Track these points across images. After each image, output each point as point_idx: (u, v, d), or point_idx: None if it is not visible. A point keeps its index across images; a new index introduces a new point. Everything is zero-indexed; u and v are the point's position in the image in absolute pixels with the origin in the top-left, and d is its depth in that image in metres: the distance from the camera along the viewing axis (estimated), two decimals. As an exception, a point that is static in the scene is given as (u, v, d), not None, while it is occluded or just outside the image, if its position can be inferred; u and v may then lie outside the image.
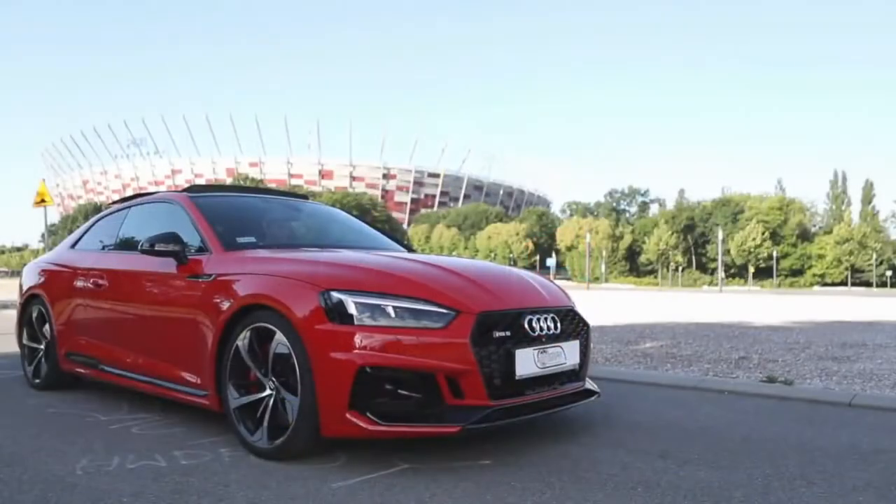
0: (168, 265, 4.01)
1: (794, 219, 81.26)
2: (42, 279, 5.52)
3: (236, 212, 4.72)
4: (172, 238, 3.92)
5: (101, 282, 4.70)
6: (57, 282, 5.31)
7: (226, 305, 3.54)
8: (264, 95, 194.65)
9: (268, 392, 3.37)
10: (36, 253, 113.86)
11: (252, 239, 4.32)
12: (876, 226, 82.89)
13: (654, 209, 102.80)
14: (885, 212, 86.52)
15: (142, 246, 3.96)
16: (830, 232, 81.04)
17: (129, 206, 5.13)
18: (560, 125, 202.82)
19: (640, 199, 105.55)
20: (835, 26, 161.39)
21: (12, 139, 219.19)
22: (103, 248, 5.10)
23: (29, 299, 5.62)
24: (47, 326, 5.28)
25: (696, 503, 2.77)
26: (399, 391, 3.07)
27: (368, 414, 3.01)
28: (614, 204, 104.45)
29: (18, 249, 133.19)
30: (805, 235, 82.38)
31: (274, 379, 3.34)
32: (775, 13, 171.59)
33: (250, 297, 3.45)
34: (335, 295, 3.14)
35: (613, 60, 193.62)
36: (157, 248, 3.89)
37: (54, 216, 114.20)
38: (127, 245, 4.83)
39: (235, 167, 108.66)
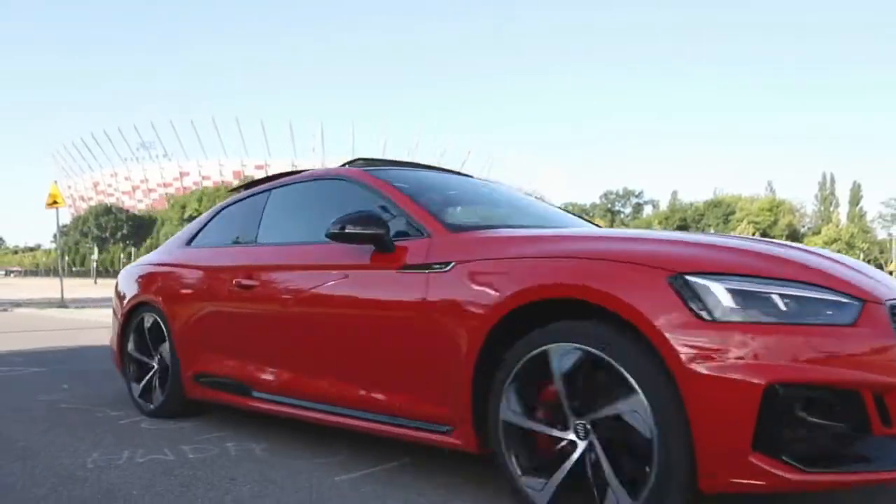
0: (355, 255, 3.01)
1: (784, 220, 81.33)
2: (153, 284, 4.44)
3: (432, 188, 3.63)
4: (370, 219, 2.86)
5: (250, 282, 3.58)
6: (175, 286, 4.23)
7: (488, 305, 2.47)
8: (269, 99, 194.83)
9: (572, 439, 2.26)
10: (48, 253, 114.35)
11: (476, 219, 3.38)
12: (863, 226, 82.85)
13: (648, 210, 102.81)
14: (872, 213, 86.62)
15: (328, 231, 2.92)
16: (819, 232, 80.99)
17: (268, 190, 4.11)
18: (557, 128, 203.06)
19: (634, 200, 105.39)
20: (822, 31, 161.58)
21: (25, 141, 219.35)
22: (237, 241, 4.07)
23: (134, 309, 4.51)
24: (165, 344, 4.15)
25: (688, 496, 2.77)
26: (814, 419, 2.02)
27: (784, 457, 1.95)
28: (609, 205, 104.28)
29: (31, 249, 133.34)
30: (794, 236, 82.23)
31: (587, 421, 2.23)
32: (765, 19, 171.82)
33: (539, 290, 2.35)
34: (697, 280, 2.08)
35: (608, 64, 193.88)
36: (348, 231, 2.86)
37: (66, 217, 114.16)
38: (279, 234, 3.84)
39: (242, 169, 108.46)
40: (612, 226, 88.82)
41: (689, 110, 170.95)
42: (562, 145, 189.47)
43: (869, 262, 76.44)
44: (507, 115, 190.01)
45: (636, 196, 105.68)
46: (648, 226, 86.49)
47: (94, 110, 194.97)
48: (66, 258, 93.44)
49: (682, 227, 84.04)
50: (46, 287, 34.75)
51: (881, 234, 79.52)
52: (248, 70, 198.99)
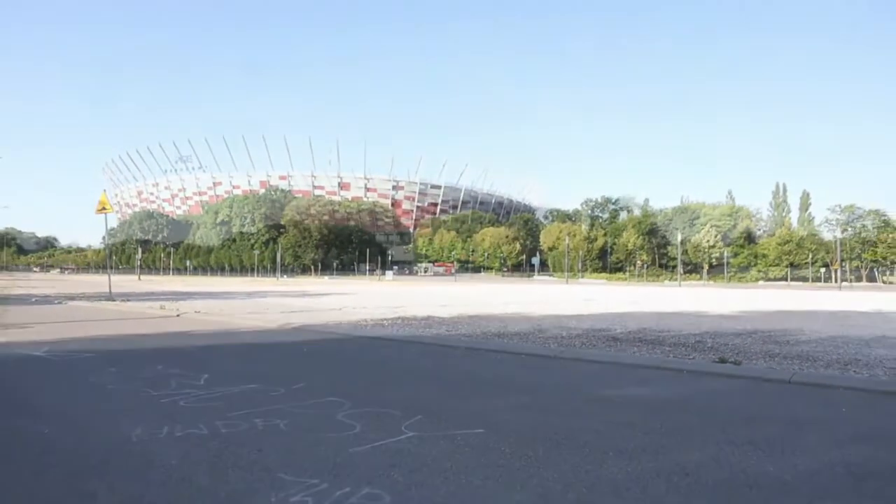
0: None
1: (742, 224, 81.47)
2: None
3: None
4: None
5: None
6: None
7: None
8: (291, 117, 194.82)
9: None
10: (98, 252, 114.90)
11: None
12: (812, 230, 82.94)
13: (623, 215, 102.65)
14: (819, 218, 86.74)
15: None
16: (773, 235, 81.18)
17: None
18: (543, 143, 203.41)
19: (611, 206, 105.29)
20: (779, 53, 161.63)
21: (79, 155, 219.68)
22: None
23: None
24: None
25: (659, 465, 2.77)
26: None
27: None
28: (589, 211, 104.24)
29: (82, 249, 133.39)
30: (751, 238, 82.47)
31: None
32: (728, 43, 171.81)
33: None
34: None
35: (588, 88, 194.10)
36: None
37: (113, 221, 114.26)
38: None
39: (267, 180, 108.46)
40: (591, 229, 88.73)
41: (661, 129, 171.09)
42: (546, 160, 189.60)
43: (815, 261, 76.61)
44: (499, 134, 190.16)
45: (613, 203, 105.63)
46: (624, 229, 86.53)
47: (139, 128, 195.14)
48: (114, 257, 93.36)
49: (653, 231, 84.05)
50: (96, 283, 34.74)
51: (827, 237, 79.43)
52: (274, 94, 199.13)
